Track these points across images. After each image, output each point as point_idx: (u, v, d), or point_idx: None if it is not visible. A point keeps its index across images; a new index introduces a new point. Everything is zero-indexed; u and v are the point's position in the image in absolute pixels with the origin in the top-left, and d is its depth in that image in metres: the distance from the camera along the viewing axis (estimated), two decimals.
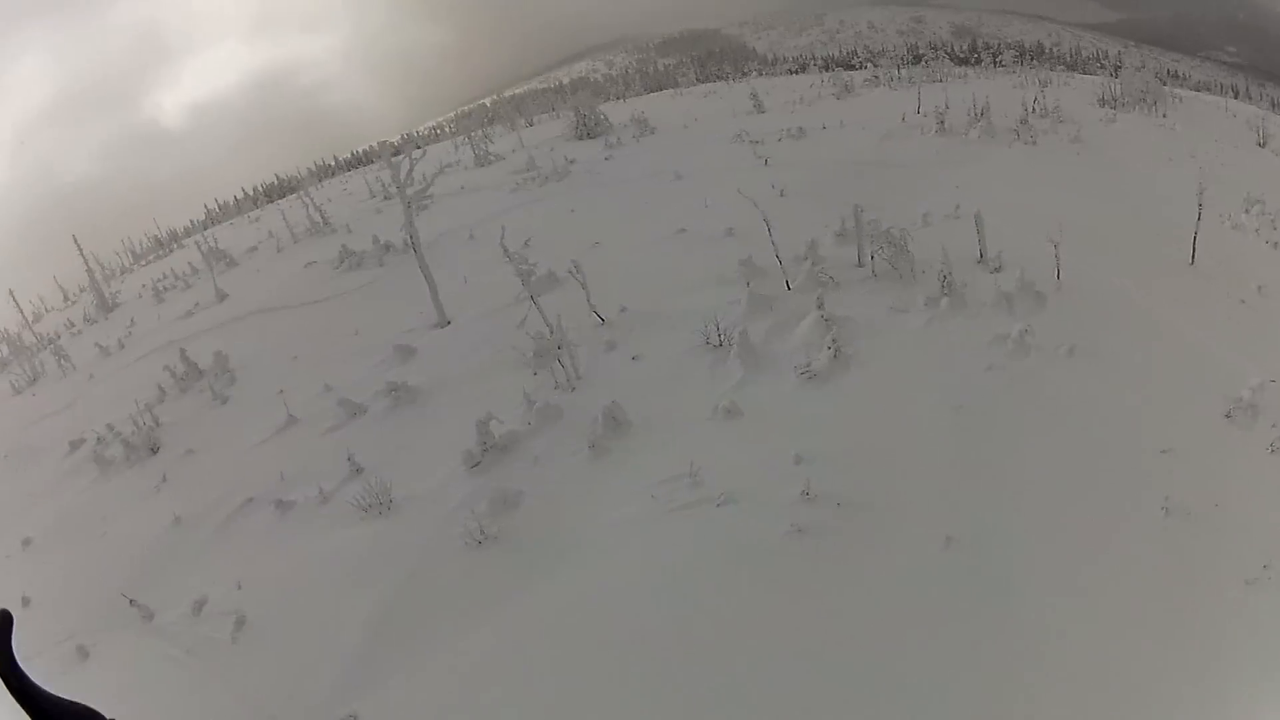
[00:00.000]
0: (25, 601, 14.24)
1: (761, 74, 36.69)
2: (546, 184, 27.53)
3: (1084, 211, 19.59)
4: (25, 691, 1.23)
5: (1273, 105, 32.22)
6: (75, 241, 30.48)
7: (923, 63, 34.58)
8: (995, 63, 34.66)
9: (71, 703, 1.28)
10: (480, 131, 35.55)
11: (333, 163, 39.30)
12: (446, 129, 38.37)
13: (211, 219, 37.81)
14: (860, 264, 18.01)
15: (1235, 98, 34.15)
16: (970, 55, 37.29)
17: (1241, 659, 8.67)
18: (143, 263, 36.12)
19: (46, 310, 34.89)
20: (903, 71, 32.83)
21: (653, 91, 37.90)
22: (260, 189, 39.14)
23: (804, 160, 25.58)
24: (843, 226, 18.67)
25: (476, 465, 14.59)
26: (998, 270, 17.11)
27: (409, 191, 19.70)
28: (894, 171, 23.94)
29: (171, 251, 35.85)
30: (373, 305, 21.48)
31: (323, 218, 29.07)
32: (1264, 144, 27.12)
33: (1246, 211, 20.46)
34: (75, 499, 18.61)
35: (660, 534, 11.64)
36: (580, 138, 31.54)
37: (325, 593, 12.41)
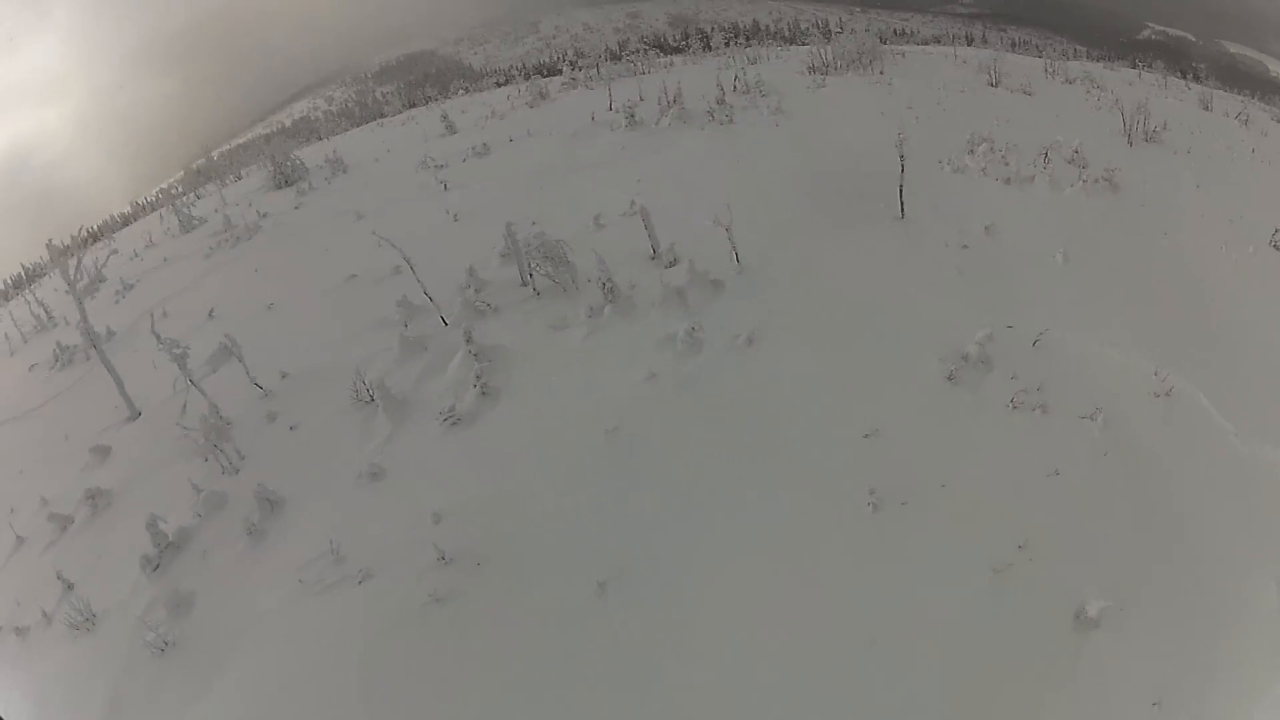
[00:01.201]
0: None
1: (468, 91, 33.36)
2: (239, 244, 25.05)
3: (777, 185, 17.63)
4: None
5: (1012, 46, 29.65)
6: None
7: (622, 58, 31.36)
8: (706, 47, 31.47)
9: None
10: (188, 194, 31.85)
11: (69, 243, 34.21)
12: (172, 192, 34.21)
13: None
14: (524, 283, 16.37)
15: (970, 45, 30.75)
16: (682, 44, 34.50)
17: (997, 658, 7.32)
18: None
19: None
20: (602, 70, 29.75)
21: (361, 125, 34.33)
22: (8, 281, 33.86)
23: (484, 178, 23.67)
24: (506, 246, 16.83)
25: (156, 569, 13.32)
26: (672, 265, 15.37)
27: (80, 285, 17.18)
28: (574, 175, 21.82)
29: None
30: (80, 405, 19.00)
31: (46, 312, 25.48)
32: (996, 84, 24.24)
33: (971, 152, 18.09)
34: None
35: (305, 621, 10.97)
36: (278, 187, 28.74)
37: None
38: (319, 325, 17.85)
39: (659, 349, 13.00)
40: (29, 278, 35.96)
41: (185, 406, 15.74)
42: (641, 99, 25.19)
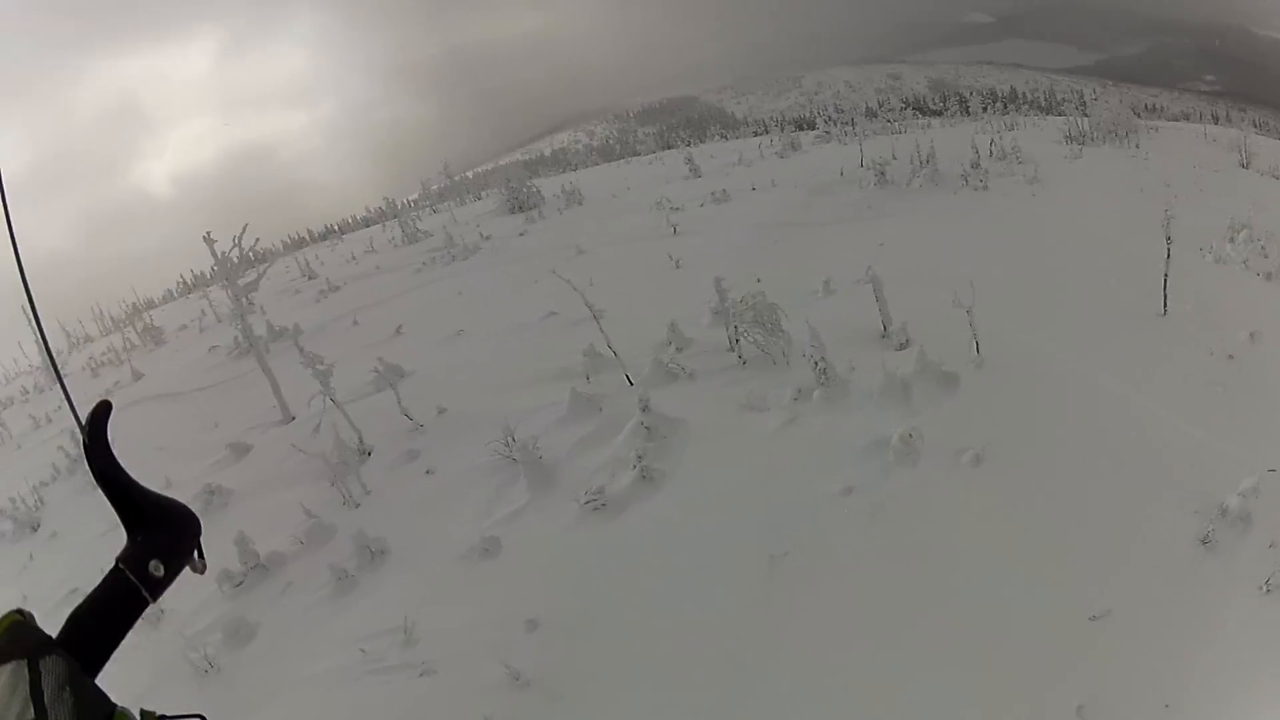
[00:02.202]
0: None
1: (726, 138, 35.50)
2: (453, 263, 26.04)
3: (1029, 261, 16.72)
4: (120, 483, 1.14)
5: (1255, 126, 30.10)
6: (25, 313, 29.53)
7: (879, 116, 32.73)
8: (964, 112, 33.05)
9: (169, 499, 1.21)
10: (424, 209, 34.20)
11: (305, 236, 38.15)
12: (409, 204, 37.16)
13: (183, 290, 36.79)
14: (730, 349, 15.15)
15: (1215, 124, 31.82)
16: (940, 107, 36.64)
17: None
18: (106, 333, 35.15)
19: (8, 379, 34.25)
20: (858, 127, 30.50)
21: (614, 161, 36.46)
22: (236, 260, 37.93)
23: (717, 226, 23.59)
24: (719, 304, 15.73)
25: (237, 586, 12.88)
26: (902, 347, 14.12)
27: (240, 283, 17.90)
28: (812, 231, 21.47)
29: (132, 324, 34.82)
30: (244, 395, 19.80)
31: (247, 299, 27.68)
32: (1247, 165, 24.38)
33: (1231, 240, 17.35)
34: None
35: (346, 698, 9.70)
36: (510, 212, 29.98)
37: None
38: (499, 362, 17.45)
39: (865, 455, 11.09)
40: (255, 259, 40.38)
41: (320, 426, 15.45)
42: (894, 157, 25.23)
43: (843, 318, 14.69)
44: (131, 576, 1.11)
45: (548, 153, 38.64)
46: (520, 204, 29.78)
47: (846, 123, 32.54)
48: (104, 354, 30.21)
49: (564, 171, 35.74)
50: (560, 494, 12.15)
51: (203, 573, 1.46)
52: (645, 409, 12.88)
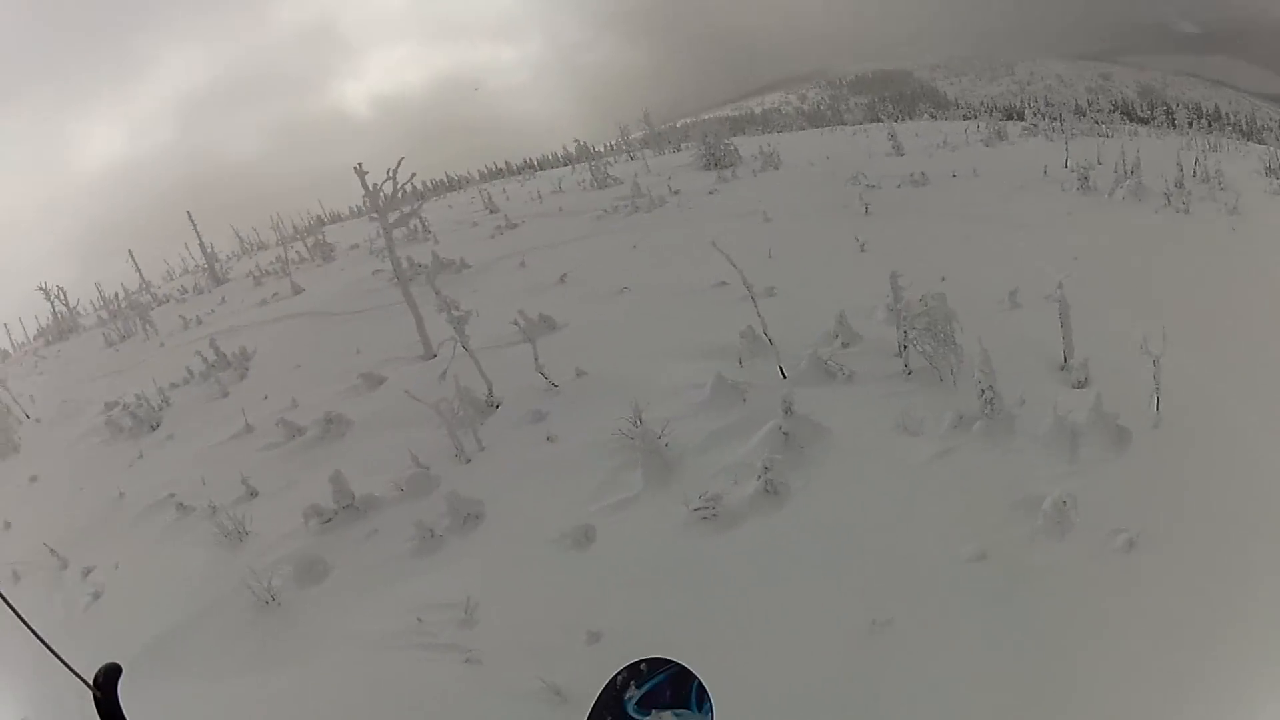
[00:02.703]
0: (7, 525, 16.87)
1: (935, 117, 34.51)
2: (635, 214, 25.73)
3: (1226, 303, 15.09)
4: None
5: None
6: (190, 218, 31.51)
7: (1088, 115, 31.24)
8: (1170, 123, 31.63)
9: None
10: (620, 155, 34.26)
11: (503, 167, 38.83)
12: (618, 147, 37.33)
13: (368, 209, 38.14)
14: (898, 354, 13.94)
15: None
16: (1148, 115, 35.63)
17: None
18: (280, 243, 37.03)
19: (175, 275, 36.68)
20: (1065, 124, 29.31)
21: (821, 127, 36.20)
22: (428, 184, 39.26)
23: (910, 211, 22.72)
24: (893, 301, 14.50)
25: (327, 523, 12.95)
26: (1081, 385, 12.86)
27: (390, 219, 17.92)
28: (1007, 231, 20.41)
29: (303, 239, 36.55)
30: (394, 324, 19.84)
31: (423, 225, 28.12)
32: None
33: None
34: (80, 453, 20.20)
35: (385, 669, 9.55)
36: (705, 168, 29.63)
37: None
38: (656, 327, 16.68)
39: (1011, 514, 9.98)
40: (450, 185, 41.81)
41: (445, 373, 15.13)
42: (1099, 162, 24.66)
43: (1024, 338, 13.76)
44: None
45: (757, 111, 38.63)
46: (716, 161, 29.51)
47: (1055, 117, 31.09)
48: (271, 264, 31.88)
49: (767, 132, 35.47)
50: (675, 491, 11.25)
51: None
52: (788, 412, 11.78)
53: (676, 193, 27.09)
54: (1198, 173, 23.83)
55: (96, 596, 12.97)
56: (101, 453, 19.80)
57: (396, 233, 28.28)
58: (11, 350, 35.45)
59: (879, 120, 35.60)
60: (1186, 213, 21.46)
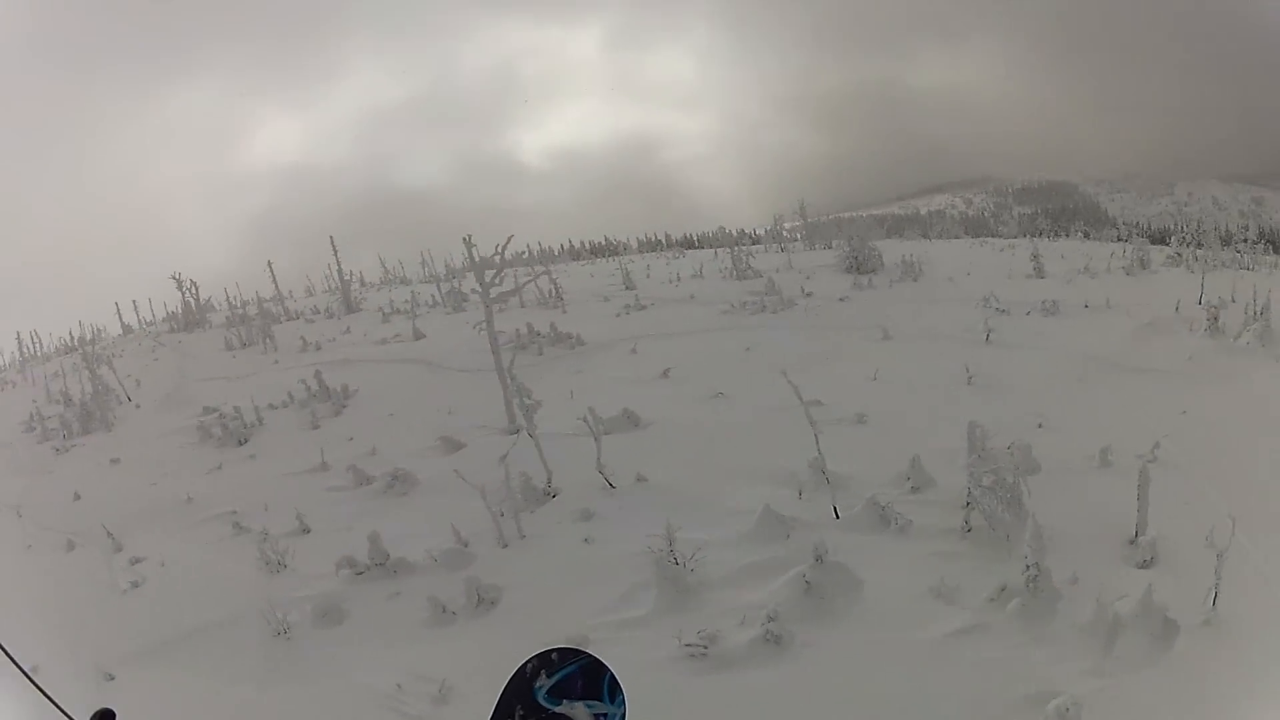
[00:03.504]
0: (77, 496, 20.07)
1: (1087, 236, 35.88)
2: (762, 313, 26.85)
3: None
4: None
5: None
6: (331, 242, 34.65)
7: (1230, 243, 31.97)
8: None
9: None
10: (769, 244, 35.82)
11: (662, 239, 41.04)
12: (770, 235, 38.86)
13: (525, 259, 40.75)
14: (964, 507, 13.92)
15: None
16: None
17: None
18: (425, 280, 39.90)
19: (314, 293, 39.88)
20: (1207, 255, 30.04)
21: (976, 238, 37.62)
22: (586, 245, 41.94)
23: (1033, 344, 23.22)
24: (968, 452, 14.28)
25: (359, 575, 14.38)
26: (1146, 565, 12.36)
27: (491, 294, 19.57)
28: (1124, 375, 20.43)
29: (447, 281, 39.13)
30: (492, 389, 21.47)
31: (557, 291, 30.07)
32: None
33: None
34: (165, 449, 23.29)
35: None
36: (847, 270, 30.62)
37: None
38: (733, 443, 17.57)
39: (1016, 711, 9.65)
40: (607, 250, 44.02)
41: (506, 457, 16.37)
42: (1233, 299, 24.89)
43: (1102, 503, 13.36)
44: None
45: (923, 211, 40.39)
46: (858, 265, 30.48)
47: (1199, 243, 32.20)
48: (405, 302, 34.42)
49: (924, 236, 36.86)
50: (682, 620, 11.80)
51: None
52: (819, 560, 12.10)
53: (809, 295, 28.27)
54: None
55: (135, 585, 14.84)
56: (186, 454, 22.42)
57: (529, 296, 30.43)
58: (136, 327, 39.58)
59: (1035, 235, 36.20)
60: None
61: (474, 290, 33.60)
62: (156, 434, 23.87)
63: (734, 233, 37.82)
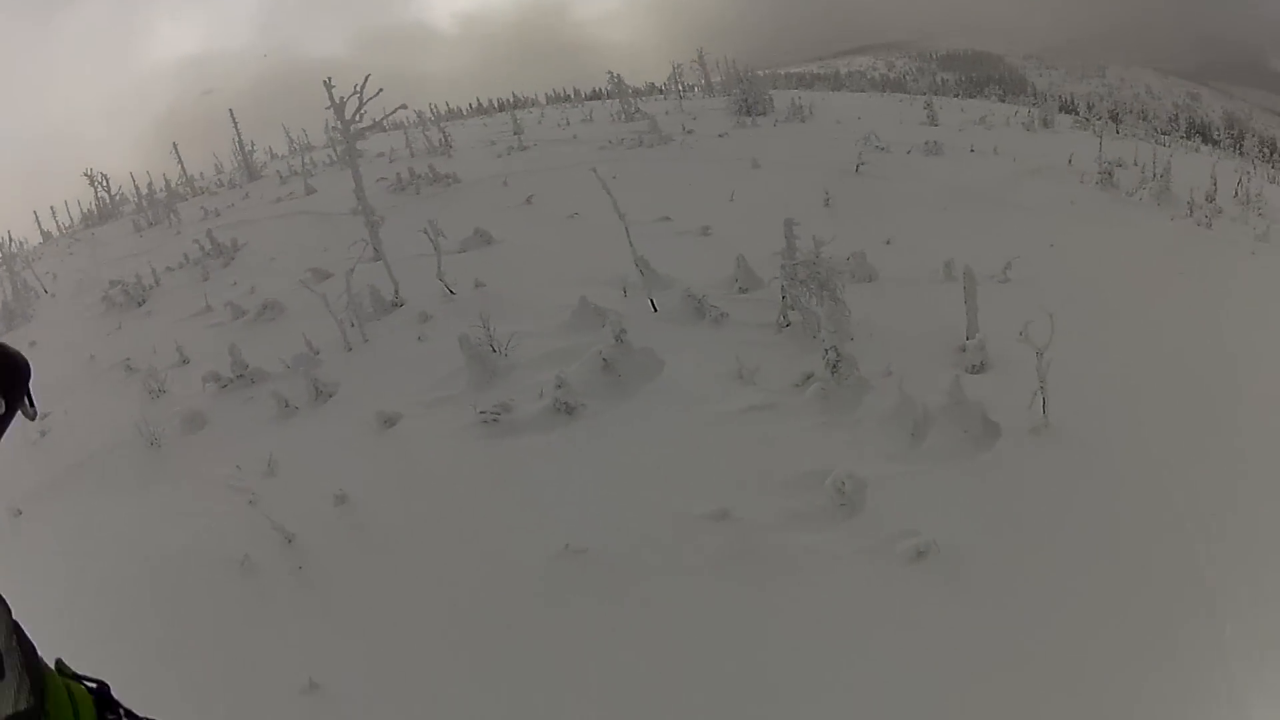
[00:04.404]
0: None
1: (1001, 100, 37.22)
2: (638, 149, 28.44)
3: (1228, 339, 14.67)
4: None
5: None
6: (231, 116, 35.65)
7: (1148, 120, 33.07)
8: (1238, 150, 32.79)
9: (3, 344, 1.46)
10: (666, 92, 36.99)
11: (571, 93, 41.88)
12: (679, 83, 39.93)
13: (434, 119, 41.60)
14: (782, 299, 14.93)
15: None
16: (1221, 139, 37.24)
17: None
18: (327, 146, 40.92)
19: (223, 170, 41.01)
20: (1120, 127, 30.33)
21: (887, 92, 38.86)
22: (495, 103, 42.69)
23: (904, 177, 24.50)
24: (787, 253, 15.84)
25: (223, 387, 16.41)
26: (977, 370, 12.75)
27: (351, 130, 20.89)
28: (994, 210, 21.73)
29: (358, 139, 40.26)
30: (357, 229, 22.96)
31: (446, 139, 31.28)
32: None
33: None
34: (76, 325, 25.07)
35: (199, 502, 12.37)
36: (738, 113, 31.79)
37: None
38: (576, 254, 19.24)
39: (790, 485, 9.92)
40: (516, 105, 45.00)
41: (352, 272, 17.77)
42: (1136, 164, 26.15)
43: (942, 313, 13.91)
44: None
45: (843, 72, 41.16)
46: (748, 109, 31.51)
47: (1114, 117, 33.42)
48: (306, 165, 35.57)
49: (835, 90, 38.07)
50: (488, 397, 13.14)
51: (33, 419, 1.69)
52: (618, 339, 13.32)
53: (690, 132, 29.53)
54: (1238, 193, 24.71)
55: (43, 435, 16.53)
56: (93, 324, 24.22)
57: (420, 145, 31.70)
58: (56, 233, 41.06)
59: (949, 95, 36.97)
60: (1208, 227, 22.07)
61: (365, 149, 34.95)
62: (70, 314, 25.52)
63: (638, 86, 38.94)
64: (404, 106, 22.15)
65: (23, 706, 1.08)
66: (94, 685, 1.48)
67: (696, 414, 12.01)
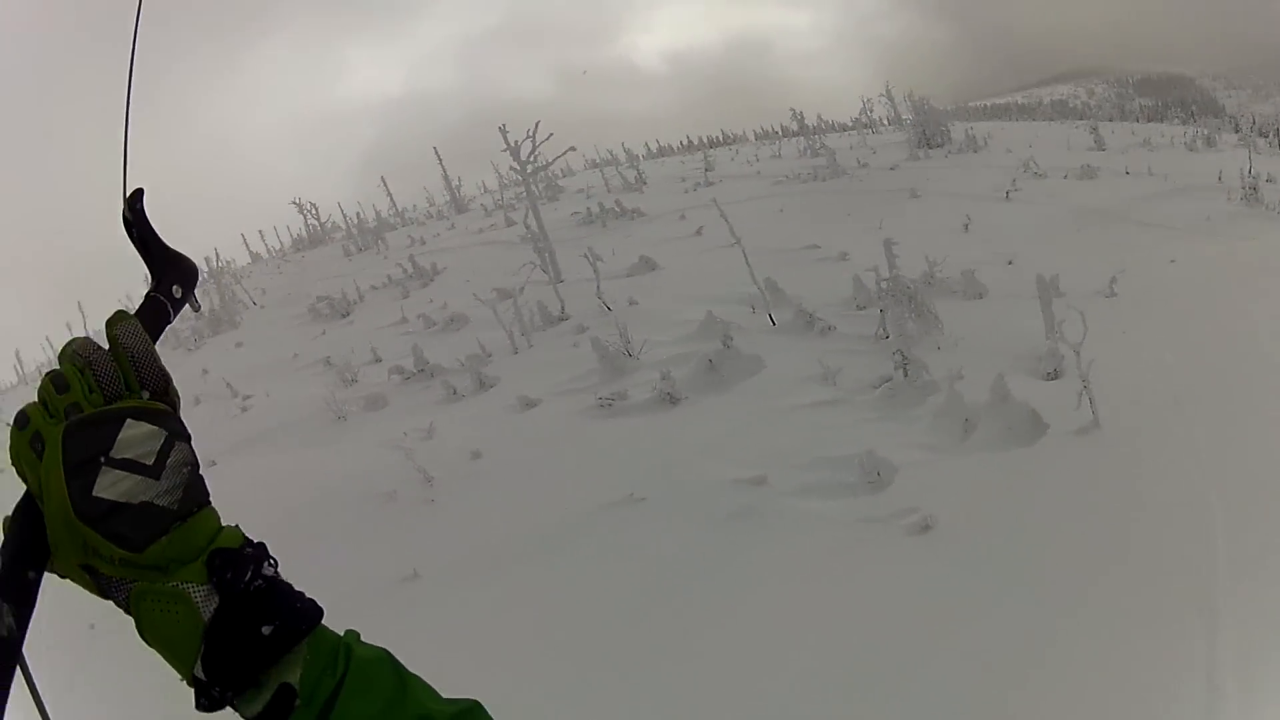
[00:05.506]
0: (205, 371, 26.15)
1: (1185, 123, 36.55)
2: (813, 182, 30.37)
3: None
4: (151, 240, 1.44)
5: None
6: (435, 152, 40.17)
7: None
8: None
9: (180, 252, 1.51)
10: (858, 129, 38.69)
11: (778, 129, 44.45)
12: (870, 117, 41.72)
13: (629, 158, 45.09)
14: (880, 313, 16.73)
15: None
16: None
17: None
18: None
19: (433, 203, 45.77)
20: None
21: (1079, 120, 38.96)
22: (702, 140, 45.82)
23: (1046, 200, 25.56)
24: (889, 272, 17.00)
25: (406, 379, 20.17)
26: (1051, 378, 13.57)
27: (528, 170, 24.32)
28: (1130, 229, 22.60)
29: (564, 176, 44.20)
30: (559, 255, 26.37)
31: (639, 176, 34.57)
32: None
33: None
34: (281, 330, 29.78)
35: (375, 458, 15.54)
36: (917, 145, 33.43)
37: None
38: (725, 277, 21.26)
39: (828, 467, 11.55)
40: (724, 142, 48.00)
41: (522, 290, 21.36)
42: None
43: (1030, 325, 14.83)
44: (160, 296, 1.43)
45: (1045, 101, 41.81)
46: (926, 141, 32.99)
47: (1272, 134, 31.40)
48: (512, 200, 39.65)
49: (1032, 121, 38.59)
50: (612, 388, 16.10)
51: (197, 310, 1.68)
52: (725, 345, 15.88)
53: (864, 166, 31.49)
54: None
55: (244, 410, 20.70)
56: (298, 331, 28.70)
57: (616, 182, 35.24)
58: (265, 255, 47.05)
59: (1123, 120, 36.97)
60: None
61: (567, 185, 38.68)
62: (276, 323, 30.09)
63: (829, 121, 41.14)
64: (573, 149, 25.38)
65: (162, 503, 1.10)
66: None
67: (773, 405, 14.14)
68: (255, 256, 50.29)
